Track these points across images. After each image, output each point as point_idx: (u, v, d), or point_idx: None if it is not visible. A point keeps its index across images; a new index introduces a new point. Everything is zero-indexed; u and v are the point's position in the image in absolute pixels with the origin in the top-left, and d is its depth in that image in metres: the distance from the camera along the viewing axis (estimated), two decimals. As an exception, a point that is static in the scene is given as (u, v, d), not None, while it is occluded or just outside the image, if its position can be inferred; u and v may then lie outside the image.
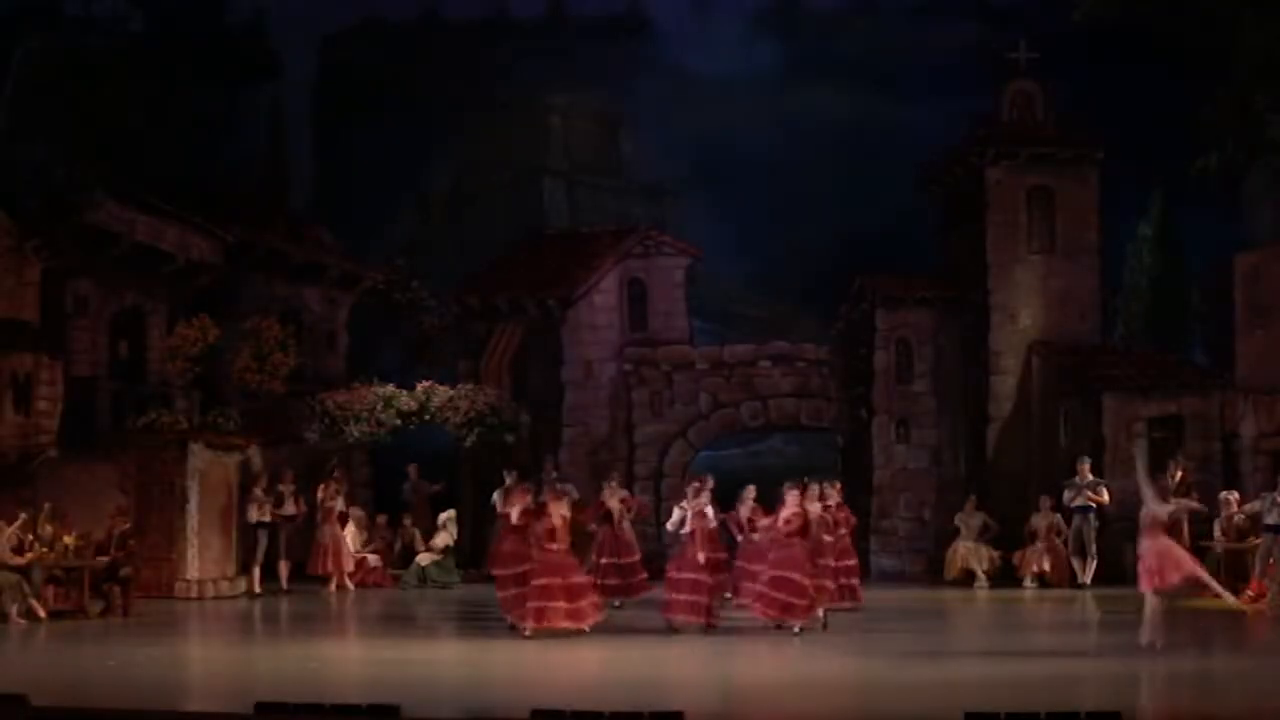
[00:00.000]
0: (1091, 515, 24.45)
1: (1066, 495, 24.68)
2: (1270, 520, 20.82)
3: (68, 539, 21.14)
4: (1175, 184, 32.56)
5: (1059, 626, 19.95)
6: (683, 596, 19.10)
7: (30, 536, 20.68)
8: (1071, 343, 27.62)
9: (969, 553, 25.72)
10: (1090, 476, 24.58)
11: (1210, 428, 26.00)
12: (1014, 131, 28.19)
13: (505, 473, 25.51)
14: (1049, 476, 25.88)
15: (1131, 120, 30.41)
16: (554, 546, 18.32)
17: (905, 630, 19.90)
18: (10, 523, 20.60)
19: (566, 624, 18.23)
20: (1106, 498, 24.62)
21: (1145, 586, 16.92)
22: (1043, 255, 27.99)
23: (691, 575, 19.07)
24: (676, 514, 21.06)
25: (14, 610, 19.88)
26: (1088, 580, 24.28)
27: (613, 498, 23.12)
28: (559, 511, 18.54)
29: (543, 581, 18.21)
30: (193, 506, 23.52)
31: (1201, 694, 14.72)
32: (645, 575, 22.90)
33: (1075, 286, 27.98)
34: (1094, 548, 24.39)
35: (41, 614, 20.15)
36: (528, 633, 18.18)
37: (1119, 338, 32.13)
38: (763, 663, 17.30)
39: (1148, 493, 16.77)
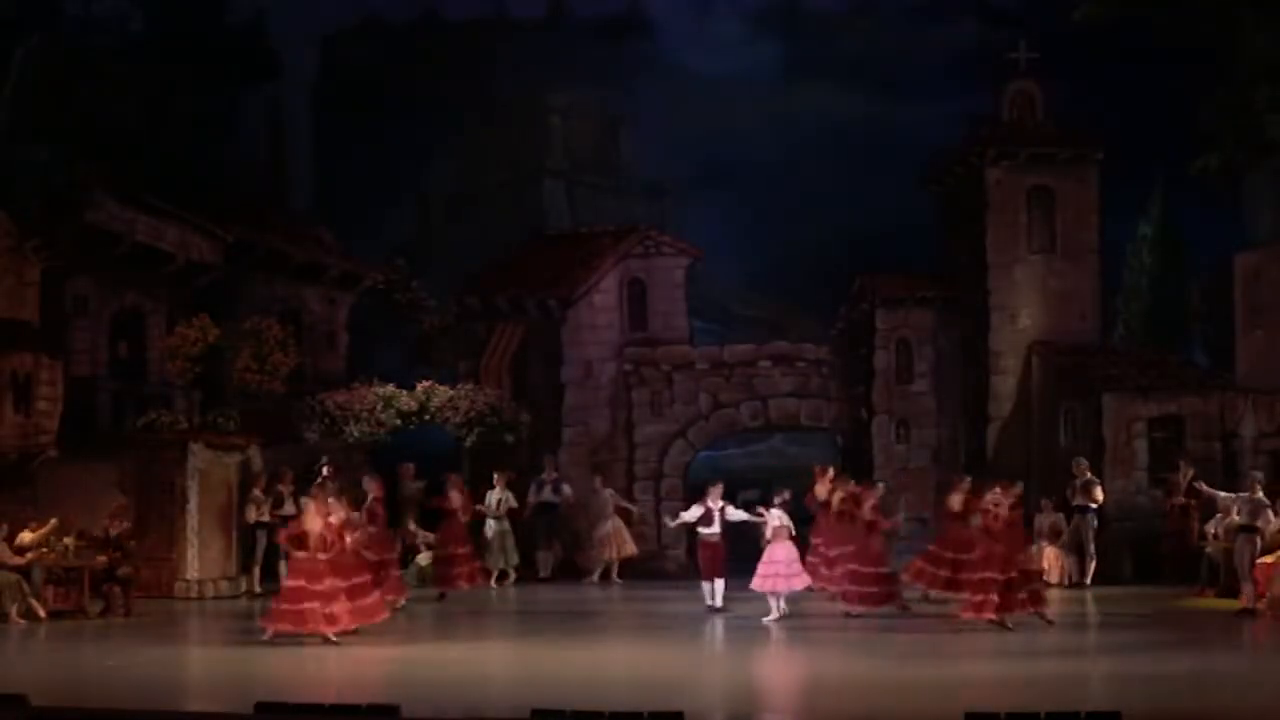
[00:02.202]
0: (1090, 515, 24.46)
1: (1069, 494, 24.74)
2: (1242, 520, 20.87)
3: (67, 539, 21.16)
4: (1175, 184, 32.56)
5: (1059, 626, 19.92)
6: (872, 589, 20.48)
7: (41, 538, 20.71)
8: (1071, 343, 27.60)
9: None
10: (1088, 475, 24.60)
11: (1210, 428, 25.97)
12: (1014, 131, 28.18)
13: (495, 474, 25.70)
14: (1049, 476, 25.86)
15: (1131, 120, 30.41)
16: (300, 554, 18.24)
17: (905, 630, 19.90)
18: (38, 525, 20.65)
19: (311, 628, 17.93)
20: (1100, 496, 24.64)
21: (763, 588, 19.74)
22: (1043, 255, 27.98)
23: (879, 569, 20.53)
24: (695, 510, 21.32)
25: (14, 610, 19.89)
26: (1087, 580, 24.28)
27: (452, 490, 24.05)
28: (319, 516, 18.43)
29: (293, 584, 18.23)
30: (193, 506, 23.53)
31: (1201, 694, 14.72)
32: (477, 565, 24.29)
33: (1075, 286, 27.96)
34: (1092, 547, 24.41)
35: (41, 614, 20.16)
36: (268, 635, 18.02)
37: (1119, 338, 32.12)
38: (763, 663, 17.31)
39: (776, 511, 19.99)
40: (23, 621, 19.80)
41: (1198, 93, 29.71)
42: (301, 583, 18.07)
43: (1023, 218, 27.94)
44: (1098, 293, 28.30)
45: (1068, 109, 28.86)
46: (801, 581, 20.45)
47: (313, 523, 18.32)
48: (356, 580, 18.68)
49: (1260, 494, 21.10)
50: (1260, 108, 28.90)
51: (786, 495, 21.19)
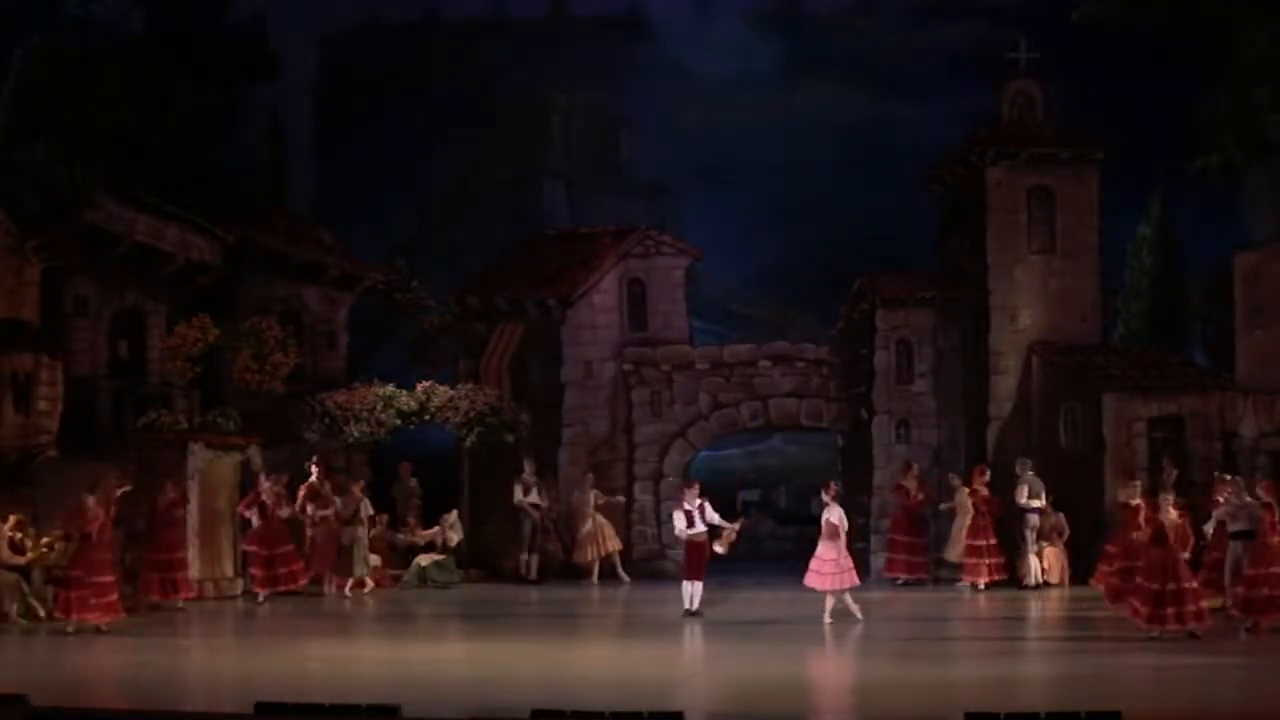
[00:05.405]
0: (1029, 516, 24.68)
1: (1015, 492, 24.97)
2: (1240, 525, 20.84)
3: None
4: (1175, 184, 32.56)
5: (1059, 626, 19.97)
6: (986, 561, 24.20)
7: (24, 536, 20.69)
8: (1071, 343, 27.59)
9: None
10: (1018, 474, 24.77)
11: (1210, 428, 25.96)
12: (1014, 131, 28.15)
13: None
14: (1049, 477, 25.85)
15: (1131, 120, 30.36)
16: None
17: (905, 630, 19.91)
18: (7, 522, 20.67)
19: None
20: (1042, 501, 24.74)
21: (820, 586, 19.81)
22: (1043, 255, 27.96)
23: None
24: (680, 518, 21.16)
25: (14, 610, 19.90)
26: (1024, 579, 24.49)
27: (274, 486, 23.96)
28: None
29: None
30: (193, 506, 23.54)
31: (1201, 694, 14.74)
32: (300, 566, 24.11)
33: (1075, 286, 27.94)
34: (1026, 547, 24.61)
35: (41, 614, 20.17)
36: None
37: (1119, 338, 32.09)
38: (763, 663, 17.31)
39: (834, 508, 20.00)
40: (23, 621, 19.81)
41: (1198, 93, 29.68)
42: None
43: (1023, 218, 27.92)
44: (1098, 293, 28.27)
45: (1068, 109, 28.84)
46: (851, 580, 20.06)
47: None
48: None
49: (1248, 497, 21.09)
50: (1260, 108, 28.90)
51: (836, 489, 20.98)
